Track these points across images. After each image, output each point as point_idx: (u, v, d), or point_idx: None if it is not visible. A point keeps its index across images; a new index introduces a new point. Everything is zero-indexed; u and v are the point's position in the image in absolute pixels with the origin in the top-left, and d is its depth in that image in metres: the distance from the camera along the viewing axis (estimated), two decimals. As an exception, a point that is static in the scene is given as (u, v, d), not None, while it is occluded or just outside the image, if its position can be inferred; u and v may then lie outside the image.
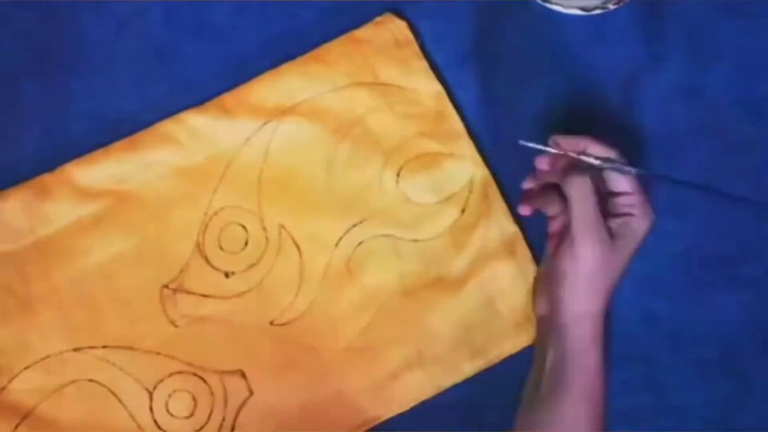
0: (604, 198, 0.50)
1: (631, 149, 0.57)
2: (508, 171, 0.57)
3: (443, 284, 0.56)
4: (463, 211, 0.56)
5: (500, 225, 0.56)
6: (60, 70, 0.58)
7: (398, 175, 0.57)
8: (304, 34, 0.58)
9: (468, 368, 0.55)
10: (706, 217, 0.57)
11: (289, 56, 0.58)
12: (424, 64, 0.57)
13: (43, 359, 0.54)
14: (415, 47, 0.58)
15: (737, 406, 0.56)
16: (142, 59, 0.58)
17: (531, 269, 0.56)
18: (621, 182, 0.50)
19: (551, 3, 0.55)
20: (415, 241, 0.56)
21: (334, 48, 0.57)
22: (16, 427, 0.53)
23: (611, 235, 0.49)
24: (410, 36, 0.58)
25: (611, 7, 0.55)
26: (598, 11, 0.55)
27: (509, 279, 0.56)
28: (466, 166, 0.57)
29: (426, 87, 0.57)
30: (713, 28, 0.58)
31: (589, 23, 0.58)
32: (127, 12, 0.58)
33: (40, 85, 0.57)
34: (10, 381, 0.54)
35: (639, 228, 0.49)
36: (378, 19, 0.58)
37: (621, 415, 0.56)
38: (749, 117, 0.58)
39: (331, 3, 0.59)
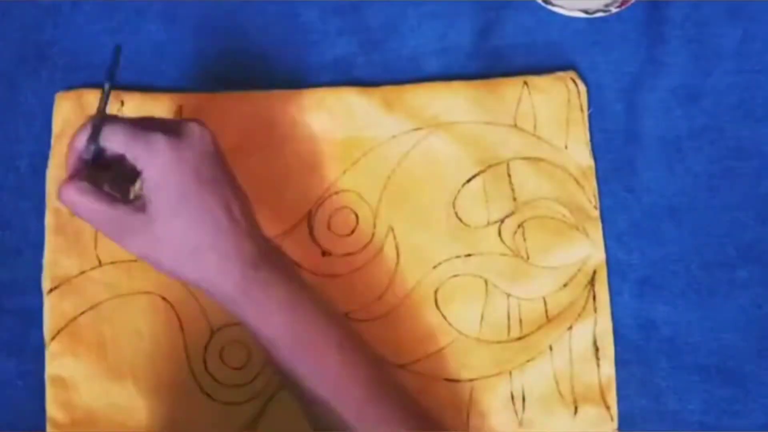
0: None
1: (631, 153, 0.58)
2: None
3: (518, 348, 0.55)
4: (565, 285, 0.56)
5: (598, 321, 0.55)
6: (60, 68, 0.58)
7: (519, 227, 0.56)
8: (303, 33, 0.59)
9: (511, 434, 0.55)
10: (704, 221, 0.57)
11: (289, 55, 0.59)
12: (586, 136, 0.57)
13: (129, 261, 0.55)
14: (585, 115, 0.57)
15: (735, 411, 0.56)
16: (141, 58, 0.59)
17: (608, 372, 0.55)
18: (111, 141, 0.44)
19: (553, 5, 0.55)
20: (509, 295, 0.56)
21: (508, 84, 0.58)
22: (82, 313, 0.54)
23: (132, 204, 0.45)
24: (585, 103, 0.57)
25: (613, 10, 0.55)
26: (600, 14, 0.56)
27: (582, 374, 0.55)
28: (586, 244, 0.56)
29: (579, 158, 0.57)
30: (714, 32, 0.58)
31: (591, 26, 0.58)
32: (127, 11, 0.59)
33: (40, 83, 0.58)
34: (92, 269, 0.55)
35: (152, 180, 0.43)
36: (560, 73, 0.58)
37: (618, 419, 0.55)
38: (749, 122, 0.58)
39: (331, 3, 0.59)
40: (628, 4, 0.55)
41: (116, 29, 0.59)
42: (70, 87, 0.58)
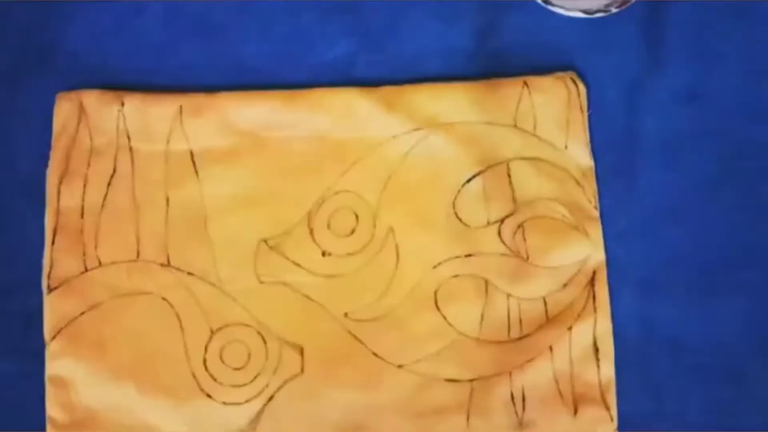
0: None
1: (631, 153, 0.58)
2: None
3: (518, 349, 0.55)
4: (564, 285, 0.56)
5: (598, 321, 0.56)
6: (59, 69, 0.58)
7: (519, 227, 0.56)
8: (305, 33, 0.59)
9: (510, 436, 0.55)
10: (704, 221, 0.57)
11: (289, 56, 0.58)
12: (586, 136, 0.57)
13: (130, 261, 0.55)
14: (585, 116, 0.57)
15: (735, 411, 0.56)
16: (141, 58, 0.59)
17: (608, 372, 0.55)
18: None
19: (553, 5, 0.55)
20: (509, 295, 0.56)
21: (508, 85, 0.58)
22: (82, 314, 0.55)
23: None
24: (585, 103, 0.58)
25: (614, 10, 0.56)
26: (600, 14, 0.56)
27: (582, 374, 0.55)
28: (586, 245, 0.56)
29: (579, 158, 0.57)
30: (715, 32, 0.58)
31: (591, 26, 0.58)
32: (127, 11, 0.59)
33: (40, 83, 0.58)
34: (93, 269, 0.55)
35: None
36: (560, 74, 0.58)
37: (618, 419, 0.55)
38: (750, 122, 0.58)
39: (331, 3, 0.59)
40: (628, 4, 0.55)
41: (116, 29, 0.59)
42: (70, 87, 0.57)
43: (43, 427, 0.54)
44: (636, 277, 0.57)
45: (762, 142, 0.58)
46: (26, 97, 0.58)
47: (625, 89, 0.58)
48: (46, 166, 0.56)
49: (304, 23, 0.59)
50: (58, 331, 0.54)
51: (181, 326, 0.55)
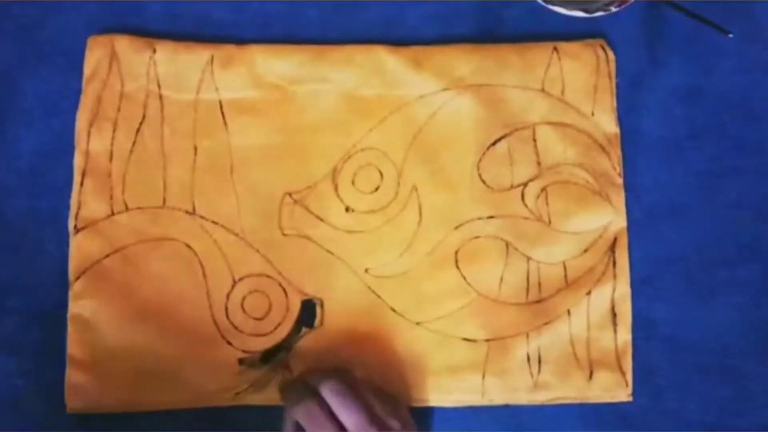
0: None
1: (631, 153, 0.58)
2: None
3: (536, 311, 0.56)
4: (585, 251, 0.56)
5: (617, 287, 0.56)
6: (60, 68, 0.58)
7: (542, 191, 0.57)
8: (304, 33, 0.58)
9: (524, 397, 0.55)
10: (704, 220, 0.57)
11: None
12: (613, 103, 0.57)
13: (156, 207, 0.56)
14: (613, 83, 0.58)
15: (734, 410, 0.56)
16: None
17: (624, 338, 0.56)
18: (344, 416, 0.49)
19: (554, 5, 0.55)
20: (529, 258, 0.56)
21: (538, 50, 0.58)
22: (107, 256, 0.55)
23: None
24: (613, 70, 0.58)
25: (613, 9, 0.55)
26: (600, 13, 0.55)
27: (599, 338, 0.56)
28: (608, 211, 0.57)
29: (605, 124, 0.57)
30: (714, 32, 0.57)
31: (591, 25, 0.58)
32: (127, 10, 0.58)
33: (40, 83, 0.58)
34: (119, 213, 0.56)
35: None
36: (589, 40, 0.58)
37: (617, 418, 0.56)
38: (749, 121, 0.58)
39: (331, 3, 0.59)
40: (628, 3, 0.55)
41: (116, 29, 0.58)
42: (69, 86, 0.57)
43: (44, 428, 0.55)
44: (636, 276, 0.57)
45: (761, 140, 0.58)
46: (26, 97, 0.57)
47: (625, 88, 0.58)
48: (46, 166, 0.57)
49: (304, 23, 0.58)
50: (83, 272, 0.55)
51: (204, 274, 0.55)
